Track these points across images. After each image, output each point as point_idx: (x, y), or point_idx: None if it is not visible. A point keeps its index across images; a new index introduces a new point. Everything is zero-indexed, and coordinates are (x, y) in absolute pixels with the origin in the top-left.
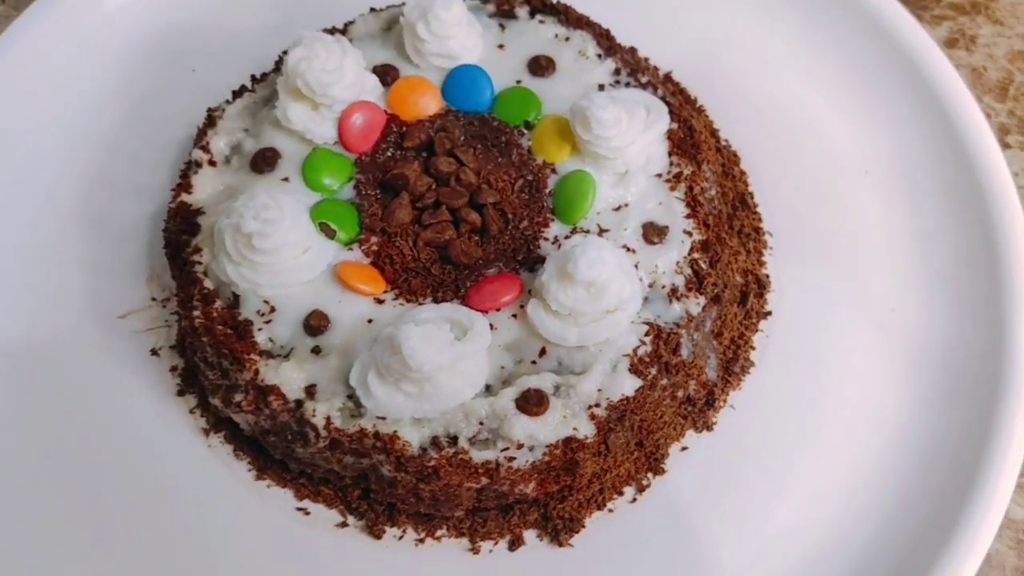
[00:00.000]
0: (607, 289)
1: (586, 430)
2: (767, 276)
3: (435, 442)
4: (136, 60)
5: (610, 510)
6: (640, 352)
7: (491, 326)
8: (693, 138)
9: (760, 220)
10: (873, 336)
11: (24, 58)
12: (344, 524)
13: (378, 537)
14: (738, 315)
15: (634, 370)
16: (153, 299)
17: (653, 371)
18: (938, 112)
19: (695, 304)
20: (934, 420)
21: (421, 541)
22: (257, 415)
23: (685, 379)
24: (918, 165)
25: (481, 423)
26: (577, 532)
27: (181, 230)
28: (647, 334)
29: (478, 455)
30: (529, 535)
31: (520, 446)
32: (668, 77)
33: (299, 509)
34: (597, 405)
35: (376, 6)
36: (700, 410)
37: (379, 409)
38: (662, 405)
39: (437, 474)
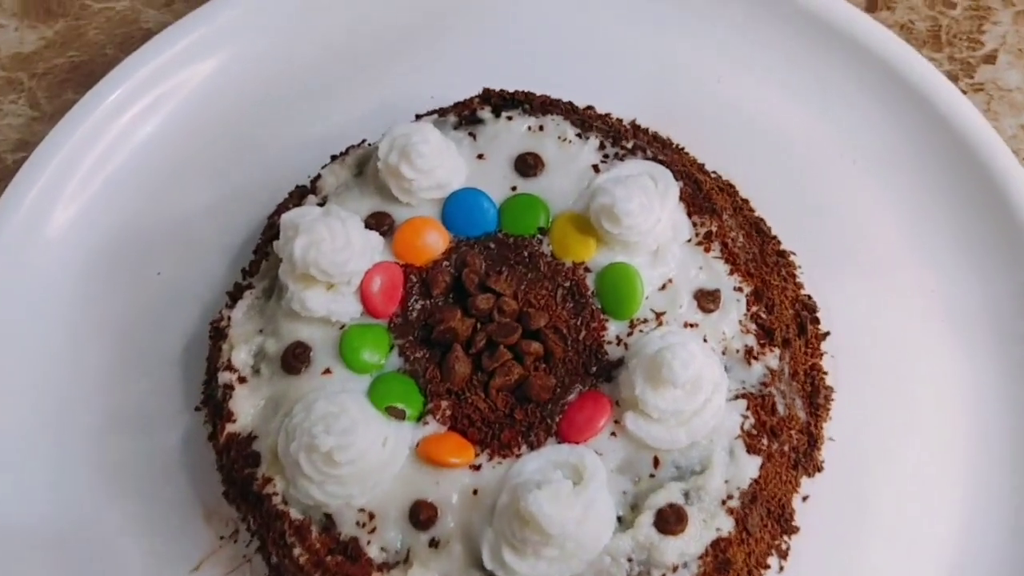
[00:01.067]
0: (702, 380)
1: (727, 526)
2: (810, 298)
3: None
4: (95, 281)
5: None
6: (747, 427)
7: (597, 453)
8: (702, 190)
9: (779, 243)
10: (923, 320)
11: None
12: None
13: None
14: (801, 347)
15: (751, 449)
16: (222, 537)
17: (765, 442)
18: (898, 84)
19: (772, 357)
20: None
21: None
22: None
23: (788, 433)
24: (897, 143)
25: (630, 559)
26: None
27: (241, 465)
28: (747, 408)
29: None
30: None
31: (675, 568)
32: (636, 127)
33: None
34: (730, 497)
35: (334, 152)
36: (805, 455)
37: None
38: (780, 469)
39: None
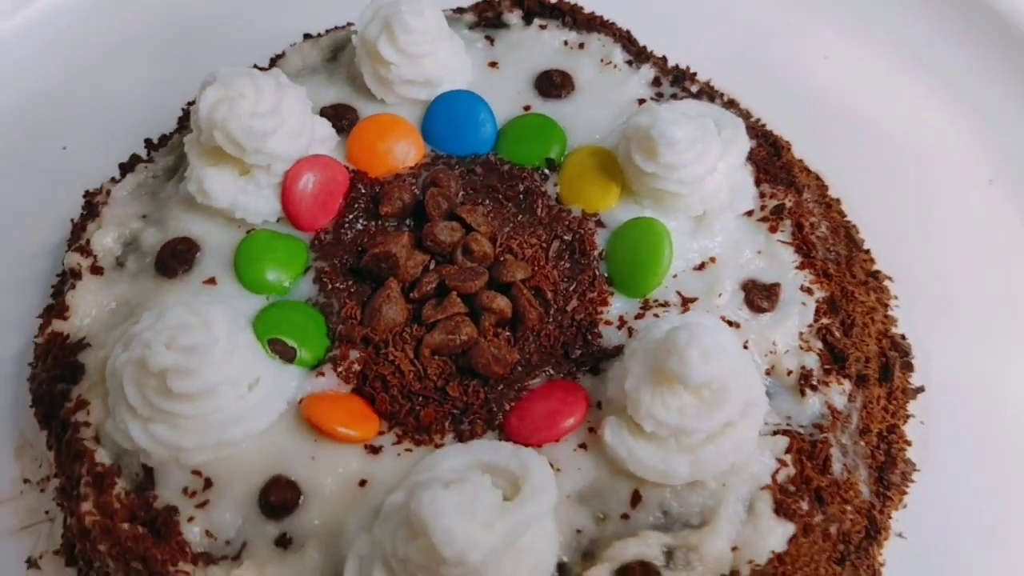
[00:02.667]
0: (728, 391)
1: None
2: (903, 338)
3: None
4: None
5: None
6: (782, 478)
7: (552, 466)
8: (781, 157)
9: (873, 261)
10: None
11: None
12: None
13: None
14: (882, 397)
15: (782, 510)
16: (27, 481)
17: (805, 506)
18: None
19: (838, 394)
20: None
21: None
22: None
23: (841, 507)
24: None
25: None
26: None
27: (55, 376)
28: (788, 451)
29: None
30: None
31: None
32: (711, 87)
33: None
34: (735, 573)
35: (311, 31)
36: (859, 548)
37: None
38: (818, 554)
39: None
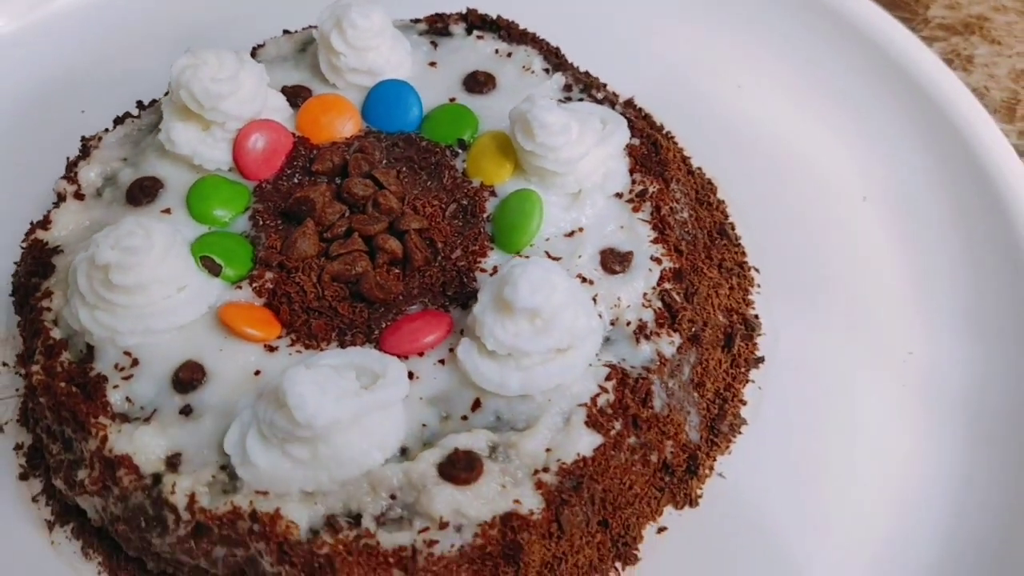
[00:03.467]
0: (556, 320)
1: (531, 503)
2: (756, 317)
3: (330, 523)
4: (17, 103)
5: None
6: (600, 402)
7: (411, 374)
8: (659, 155)
9: (744, 254)
10: (886, 385)
11: None
12: None
13: None
14: (723, 362)
15: (593, 423)
16: (4, 364)
17: (617, 426)
18: (945, 126)
19: (668, 344)
20: (964, 487)
21: None
22: (104, 496)
23: (660, 438)
24: (924, 187)
25: (393, 496)
26: None
27: (31, 272)
28: (609, 378)
29: (387, 539)
30: None
31: (444, 525)
32: (630, 102)
33: None
34: (546, 470)
35: (290, 29)
36: (680, 480)
37: (259, 480)
38: (631, 472)
39: (332, 566)
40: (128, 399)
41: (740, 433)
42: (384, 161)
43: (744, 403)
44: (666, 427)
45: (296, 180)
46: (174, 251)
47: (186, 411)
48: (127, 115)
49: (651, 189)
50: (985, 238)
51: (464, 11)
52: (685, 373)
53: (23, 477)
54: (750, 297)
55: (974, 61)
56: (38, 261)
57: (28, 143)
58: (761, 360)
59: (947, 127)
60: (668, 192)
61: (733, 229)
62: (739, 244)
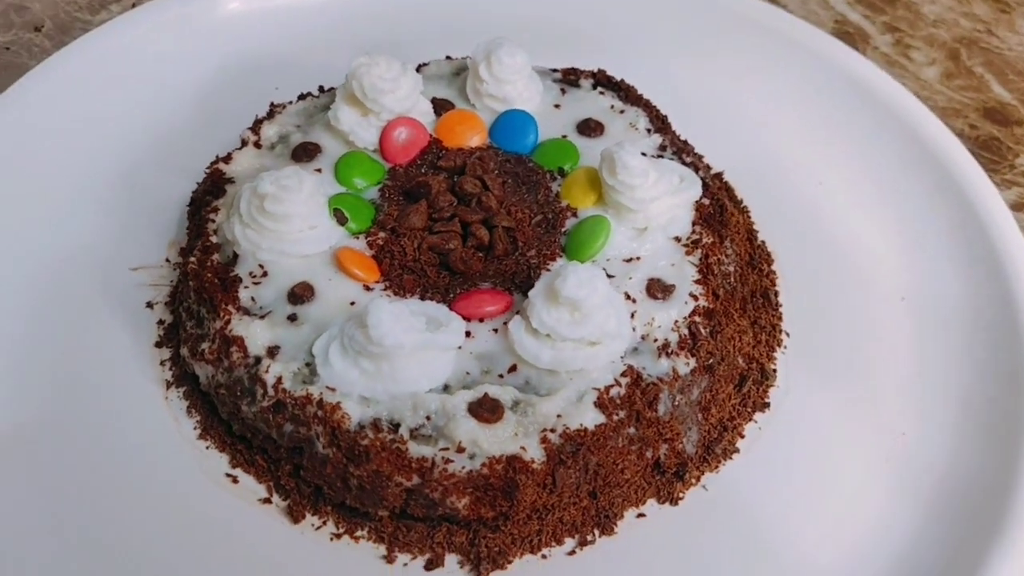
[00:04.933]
0: (591, 316)
1: (535, 454)
2: (774, 370)
3: (375, 424)
4: (232, 71)
5: (543, 556)
6: (612, 392)
7: (468, 333)
8: (723, 216)
9: (780, 318)
10: (875, 456)
11: (131, 45)
12: (268, 500)
13: (296, 521)
14: (732, 396)
15: (600, 405)
16: (167, 260)
17: (621, 414)
18: (986, 251)
19: (684, 364)
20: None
21: (338, 536)
22: (216, 366)
23: (657, 439)
24: (958, 302)
25: (428, 418)
26: (502, 568)
27: (206, 191)
28: (624, 375)
29: (415, 448)
30: (450, 559)
31: (461, 450)
32: (718, 176)
33: (229, 475)
34: (552, 430)
35: (453, 56)
36: (668, 480)
37: (331, 379)
38: (625, 458)
39: (367, 456)
40: (253, 299)
41: (731, 459)
42: (495, 171)
43: (742, 436)
44: (665, 431)
45: (423, 170)
46: (316, 198)
47: (292, 317)
48: (309, 94)
49: (705, 240)
50: (997, 348)
51: (596, 70)
52: (694, 394)
53: (158, 345)
54: (774, 354)
55: None
56: (215, 184)
57: (232, 102)
58: (767, 405)
59: (986, 249)
60: (720, 247)
61: (776, 296)
62: (778, 308)
